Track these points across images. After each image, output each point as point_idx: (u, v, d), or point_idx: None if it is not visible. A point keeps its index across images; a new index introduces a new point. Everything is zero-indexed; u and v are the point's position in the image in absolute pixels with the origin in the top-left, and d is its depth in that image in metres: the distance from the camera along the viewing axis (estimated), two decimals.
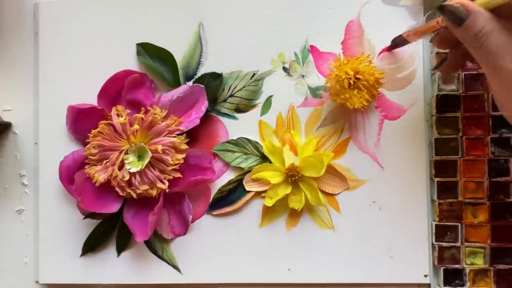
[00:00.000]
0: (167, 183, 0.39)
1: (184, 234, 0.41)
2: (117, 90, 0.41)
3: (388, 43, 0.40)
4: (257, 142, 0.41)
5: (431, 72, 0.40)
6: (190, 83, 0.42)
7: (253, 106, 0.41)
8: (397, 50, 0.40)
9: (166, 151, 0.38)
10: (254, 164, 0.41)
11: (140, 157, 0.39)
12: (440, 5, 0.30)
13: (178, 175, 0.39)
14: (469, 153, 0.39)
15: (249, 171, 0.41)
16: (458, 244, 0.38)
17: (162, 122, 0.39)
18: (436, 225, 0.39)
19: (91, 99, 0.41)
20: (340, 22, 0.41)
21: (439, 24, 0.33)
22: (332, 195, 0.40)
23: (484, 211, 0.38)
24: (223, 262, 0.41)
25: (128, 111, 0.40)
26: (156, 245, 0.42)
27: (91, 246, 0.42)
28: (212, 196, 0.41)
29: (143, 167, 0.38)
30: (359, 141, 0.40)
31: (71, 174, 0.40)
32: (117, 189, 0.39)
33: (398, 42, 0.38)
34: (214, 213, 0.41)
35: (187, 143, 0.40)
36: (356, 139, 0.40)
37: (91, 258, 0.42)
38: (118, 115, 0.39)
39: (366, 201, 0.40)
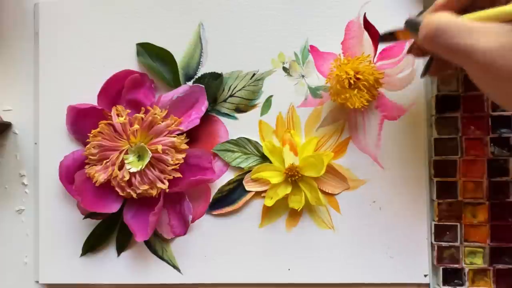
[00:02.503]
0: (167, 183, 0.39)
1: (184, 234, 0.41)
2: (117, 90, 0.41)
3: (388, 43, 0.40)
4: (257, 142, 0.41)
5: (420, 77, 0.39)
6: (190, 83, 0.42)
7: (253, 106, 0.41)
8: (397, 50, 0.40)
9: (166, 151, 0.38)
10: (254, 164, 0.41)
11: (140, 157, 0.39)
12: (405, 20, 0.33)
13: (178, 175, 0.39)
14: (468, 153, 0.39)
15: (249, 171, 0.41)
16: (458, 244, 0.39)
17: (162, 122, 0.39)
18: (435, 225, 0.39)
19: (91, 99, 0.41)
20: (340, 22, 0.41)
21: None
22: (332, 195, 0.40)
23: (484, 211, 0.38)
24: (223, 262, 0.41)
25: (128, 111, 0.40)
26: (156, 245, 0.42)
27: (91, 246, 0.42)
28: (212, 196, 0.41)
29: (143, 167, 0.38)
30: (359, 141, 0.40)
31: (71, 174, 0.40)
32: (117, 189, 0.39)
33: (387, 38, 0.37)
34: (214, 213, 0.41)
35: (187, 143, 0.40)
36: (356, 139, 0.40)
37: (91, 258, 0.42)
38: (118, 115, 0.39)
39: (366, 201, 0.40)
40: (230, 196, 0.41)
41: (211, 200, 0.41)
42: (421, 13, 0.34)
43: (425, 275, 0.40)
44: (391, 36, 0.36)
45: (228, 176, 0.41)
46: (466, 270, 0.39)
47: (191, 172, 0.40)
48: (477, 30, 0.27)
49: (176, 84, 0.41)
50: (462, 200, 0.39)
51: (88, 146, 0.39)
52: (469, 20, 0.28)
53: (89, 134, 0.39)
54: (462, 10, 0.31)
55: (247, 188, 0.41)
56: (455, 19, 0.28)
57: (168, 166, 0.39)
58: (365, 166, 0.40)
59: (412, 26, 0.32)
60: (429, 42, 0.30)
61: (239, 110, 0.42)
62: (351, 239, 0.40)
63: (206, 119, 0.41)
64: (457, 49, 0.28)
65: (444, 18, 0.29)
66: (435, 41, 0.29)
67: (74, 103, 0.41)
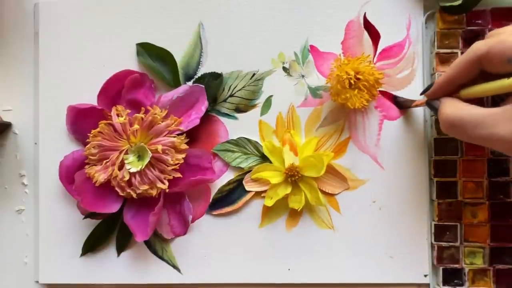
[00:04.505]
0: (167, 183, 0.39)
1: (184, 234, 0.41)
2: (117, 90, 0.41)
3: (388, 43, 0.40)
4: (257, 142, 0.41)
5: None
6: (190, 83, 0.42)
7: (253, 106, 0.41)
8: (397, 50, 0.40)
9: (166, 151, 0.38)
10: (254, 164, 0.41)
11: (140, 157, 0.39)
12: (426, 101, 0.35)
13: (178, 175, 0.39)
14: (468, 153, 0.39)
15: (249, 171, 0.41)
16: (457, 244, 0.39)
17: (162, 122, 0.39)
18: (435, 225, 0.39)
19: (91, 99, 0.41)
20: (340, 22, 0.41)
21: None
22: (332, 195, 0.40)
23: (484, 211, 0.38)
24: (223, 262, 0.41)
25: (128, 111, 0.40)
26: (156, 245, 0.42)
27: (91, 246, 0.42)
28: (212, 196, 0.41)
29: (143, 167, 0.38)
30: (359, 141, 0.40)
31: (71, 174, 0.40)
32: (117, 189, 0.39)
33: (403, 104, 0.39)
34: (214, 213, 0.41)
35: (187, 143, 0.40)
36: (356, 139, 0.40)
37: (91, 258, 0.42)
38: (118, 115, 0.39)
39: (366, 201, 0.40)
40: (230, 196, 0.41)
41: (211, 200, 0.41)
42: (429, 86, 0.35)
43: (425, 275, 0.40)
44: (408, 102, 0.39)
45: (228, 176, 0.41)
46: (466, 270, 0.39)
47: (191, 172, 0.40)
48: (488, 119, 0.29)
49: (176, 84, 0.41)
50: (462, 200, 0.39)
51: (88, 146, 0.39)
52: (476, 108, 0.30)
53: (89, 134, 0.39)
54: (461, 86, 0.33)
55: (247, 188, 0.41)
56: (464, 111, 0.30)
57: (168, 166, 0.39)
58: (365, 166, 0.40)
59: (432, 109, 0.34)
60: (449, 134, 0.32)
61: (239, 110, 0.42)
62: (351, 239, 0.40)
63: (206, 119, 0.41)
64: (475, 138, 0.30)
65: (454, 113, 0.31)
66: (454, 134, 0.32)
67: (74, 103, 0.41)
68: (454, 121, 0.31)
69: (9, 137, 0.44)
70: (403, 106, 0.39)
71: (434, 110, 0.34)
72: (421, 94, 0.36)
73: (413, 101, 0.38)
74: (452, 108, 0.31)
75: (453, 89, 0.33)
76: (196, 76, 0.42)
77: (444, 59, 0.39)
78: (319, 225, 0.41)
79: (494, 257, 0.38)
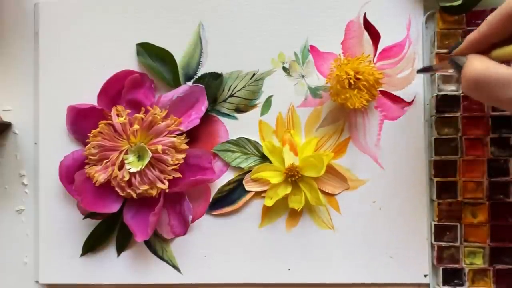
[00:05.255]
0: (167, 183, 0.39)
1: (184, 234, 0.41)
2: (117, 90, 0.41)
3: (388, 43, 0.40)
4: (257, 142, 0.41)
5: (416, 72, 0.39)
6: (190, 83, 0.42)
7: (253, 106, 0.41)
8: (397, 50, 0.40)
9: (166, 151, 0.38)
10: (254, 164, 0.41)
11: (140, 157, 0.39)
12: (449, 58, 0.32)
13: (178, 175, 0.39)
14: (468, 153, 0.39)
15: (249, 171, 0.41)
16: (457, 244, 0.39)
17: (162, 122, 0.39)
18: (435, 225, 0.39)
19: (91, 99, 0.41)
20: (340, 22, 0.41)
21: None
22: (332, 195, 0.40)
23: (484, 211, 0.38)
24: (223, 262, 0.41)
25: (128, 111, 0.40)
26: (156, 245, 0.42)
27: (91, 246, 0.42)
28: (212, 196, 0.41)
29: (143, 167, 0.38)
30: (359, 141, 0.40)
31: (71, 174, 0.40)
32: (117, 189, 0.39)
33: (427, 69, 0.38)
34: (214, 213, 0.41)
35: (187, 143, 0.40)
36: (356, 139, 0.40)
37: (91, 258, 0.42)
38: (118, 115, 0.39)
39: (366, 201, 0.40)
40: (230, 196, 0.41)
41: (211, 200, 0.41)
42: (458, 44, 0.32)
43: (425, 275, 0.40)
44: (430, 68, 0.37)
45: (228, 176, 0.41)
46: (466, 270, 0.39)
47: (191, 172, 0.40)
48: None
49: (176, 84, 0.41)
50: (462, 200, 0.39)
51: (88, 146, 0.39)
52: (505, 68, 0.27)
53: (89, 134, 0.39)
54: (493, 45, 0.30)
55: (247, 188, 0.41)
56: (491, 69, 0.28)
57: (168, 166, 0.39)
58: (365, 166, 0.40)
59: (455, 66, 0.31)
60: (471, 94, 0.29)
61: (239, 110, 0.42)
62: (351, 239, 0.40)
63: (206, 119, 0.41)
64: (499, 100, 0.27)
65: (481, 70, 0.28)
66: (476, 94, 0.29)
67: (74, 103, 0.41)
68: (479, 79, 0.28)
69: (9, 137, 0.44)
70: (427, 71, 0.38)
71: (458, 68, 0.30)
72: (449, 52, 0.33)
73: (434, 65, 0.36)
74: (479, 65, 0.28)
75: (484, 48, 0.30)
76: (196, 76, 0.42)
77: (444, 59, 0.39)
78: (319, 225, 0.41)
79: (494, 257, 0.38)
